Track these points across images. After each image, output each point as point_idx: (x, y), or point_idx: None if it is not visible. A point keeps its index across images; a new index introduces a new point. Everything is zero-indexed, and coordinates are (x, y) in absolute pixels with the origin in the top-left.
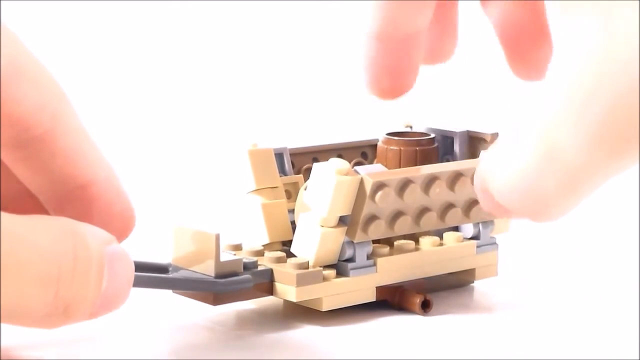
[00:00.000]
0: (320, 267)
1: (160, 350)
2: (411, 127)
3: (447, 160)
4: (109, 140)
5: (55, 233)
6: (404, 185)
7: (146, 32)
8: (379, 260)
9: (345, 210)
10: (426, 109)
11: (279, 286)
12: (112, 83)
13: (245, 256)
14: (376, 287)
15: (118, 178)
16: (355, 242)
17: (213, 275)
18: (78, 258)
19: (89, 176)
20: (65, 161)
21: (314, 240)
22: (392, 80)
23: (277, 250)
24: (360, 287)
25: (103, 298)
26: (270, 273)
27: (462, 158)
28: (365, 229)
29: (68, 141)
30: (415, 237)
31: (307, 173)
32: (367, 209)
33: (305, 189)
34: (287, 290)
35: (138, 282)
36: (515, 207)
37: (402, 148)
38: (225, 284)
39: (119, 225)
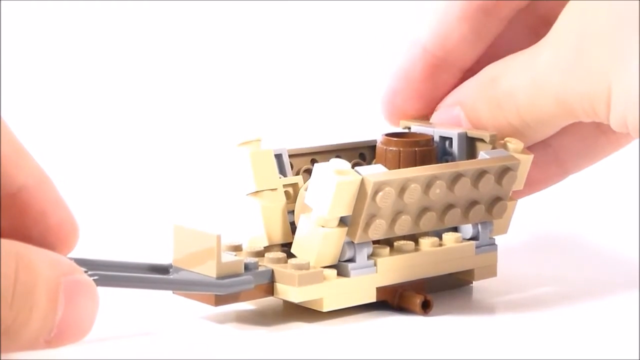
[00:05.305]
0: (321, 267)
1: (161, 351)
2: (409, 128)
3: (446, 161)
4: (111, 140)
5: None
6: (405, 185)
7: (147, 32)
8: (379, 261)
9: (346, 211)
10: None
11: (279, 287)
12: (114, 83)
13: (246, 257)
14: (376, 288)
15: (54, 187)
16: (355, 242)
17: (214, 276)
18: (19, 280)
19: (17, 182)
20: None
21: (315, 240)
22: (414, 101)
23: (277, 251)
24: (360, 287)
25: (60, 327)
26: (271, 274)
27: (461, 159)
28: (365, 229)
29: None
30: (414, 238)
31: (305, 174)
32: (368, 209)
33: (306, 190)
34: (288, 291)
35: (139, 283)
36: None
37: (401, 149)
38: (227, 284)
39: (57, 236)
